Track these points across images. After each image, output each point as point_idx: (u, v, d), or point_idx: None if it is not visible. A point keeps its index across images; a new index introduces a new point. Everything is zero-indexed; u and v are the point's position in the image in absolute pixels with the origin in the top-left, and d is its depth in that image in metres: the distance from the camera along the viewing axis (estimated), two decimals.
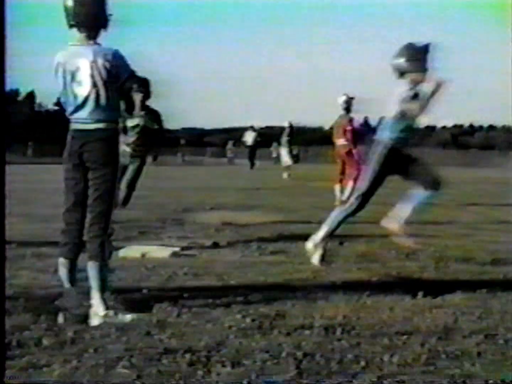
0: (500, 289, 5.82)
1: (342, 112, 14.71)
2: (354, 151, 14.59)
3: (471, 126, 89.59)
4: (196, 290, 5.62)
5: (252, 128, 39.16)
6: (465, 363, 3.87)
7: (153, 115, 9.62)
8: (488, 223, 11.28)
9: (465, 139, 79.03)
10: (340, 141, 14.65)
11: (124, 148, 8.88)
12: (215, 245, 8.15)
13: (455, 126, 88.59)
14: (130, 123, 9.34)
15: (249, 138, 37.83)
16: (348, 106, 14.54)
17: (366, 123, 14.67)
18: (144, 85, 9.08)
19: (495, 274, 6.58)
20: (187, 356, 3.88)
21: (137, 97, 8.92)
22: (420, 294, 5.54)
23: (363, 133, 16.06)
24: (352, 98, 14.66)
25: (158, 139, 10.26)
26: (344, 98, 14.60)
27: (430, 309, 5.12)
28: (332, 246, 7.70)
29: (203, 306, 5.07)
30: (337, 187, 14.55)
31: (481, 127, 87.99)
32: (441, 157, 55.26)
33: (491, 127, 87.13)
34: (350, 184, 14.22)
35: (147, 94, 8.98)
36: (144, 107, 8.99)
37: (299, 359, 3.88)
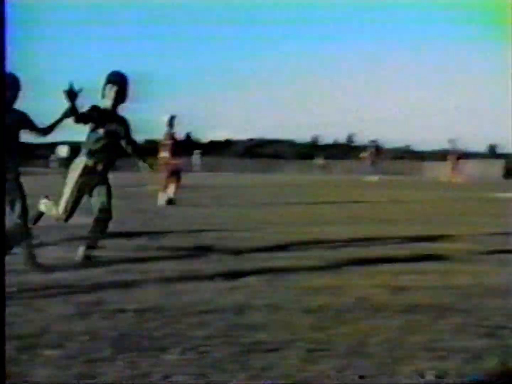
0: (284, 271, 5.99)
1: (166, 128, 15.01)
2: (172, 162, 14.88)
3: (261, 139, 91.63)
4: (24, 283, 5.37)
5: (62, 143, 38.66)
6: (255, 333, 3.95)
7: (120, 122, 6.71)
8: (277, 218, 11.58)
9: (257, 150, 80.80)
10: (162, 154, 14.89)
11: (83, 159, 6.47)
12: (42, 244, 7.84)
13: (249, 140, 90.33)
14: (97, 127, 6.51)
15: (62, 151, 37.35)
16: (171, 123, 14.83)
17: (188, 137, 15.02)
18: (119, 78, 6.58)
19: (283, 259, 6.75)
20: (15, 342, 3.69)
21: (112, 90, 6.53)
22: (220, 278, 5.59)
23: (183, 147, 16.37)
24: (174, 117, 14.95)
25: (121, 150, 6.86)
26: (168, 116, 14.87)
27: (228, 290, 5.18)
28: (145, 242, 7.66)
29: (31, 298, 4.86)
30: (160, 192, 14.82)
31: (270, 141, 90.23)
32: (238, 165, 56.51)
33: (278, 141, 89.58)
34: (170, 189, 14.69)
35: (123, 90, 6.61)
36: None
37: (115, 339, 3.79)
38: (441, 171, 38.60)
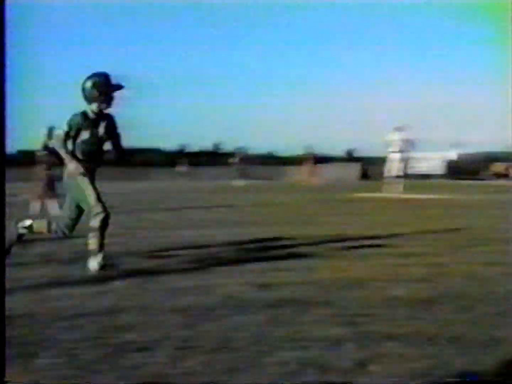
0: (153, 273, 5.97)
1: (44, 140, 14.70)
2: (46, 172, 14.56)
3: (130, 148, 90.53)
4: None
5: None
6: (125, 334, 3.93)
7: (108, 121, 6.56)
8: (146, 223, 11.51)
9: (128, 159, 79.93)
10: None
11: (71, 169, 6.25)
12: None
13: None
14: (85, 134, 6.30)
15: None
16: (49, 134, 14.36)
17: None
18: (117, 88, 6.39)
19: (152, 262, 6.72)
20: None
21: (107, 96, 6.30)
22: (90, 282, 5.49)
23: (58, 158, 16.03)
24: (53, 128, 14.52)
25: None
26: (46, 128, 14.46)
27: (98, 294, 5.09)
28: (17, 250, 7.40)
29: None
30: (33, 202, 14.61)
31: (138, 149, 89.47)
32: (107, 173, 55.47)
33: (146, 150, 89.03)
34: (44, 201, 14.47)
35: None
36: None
37: None
38: (302, 175, 39.53)
